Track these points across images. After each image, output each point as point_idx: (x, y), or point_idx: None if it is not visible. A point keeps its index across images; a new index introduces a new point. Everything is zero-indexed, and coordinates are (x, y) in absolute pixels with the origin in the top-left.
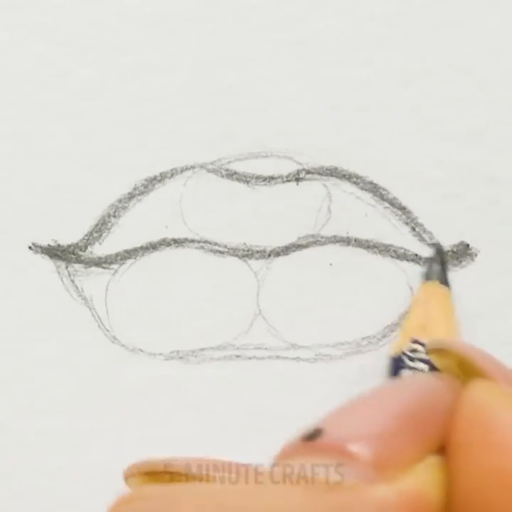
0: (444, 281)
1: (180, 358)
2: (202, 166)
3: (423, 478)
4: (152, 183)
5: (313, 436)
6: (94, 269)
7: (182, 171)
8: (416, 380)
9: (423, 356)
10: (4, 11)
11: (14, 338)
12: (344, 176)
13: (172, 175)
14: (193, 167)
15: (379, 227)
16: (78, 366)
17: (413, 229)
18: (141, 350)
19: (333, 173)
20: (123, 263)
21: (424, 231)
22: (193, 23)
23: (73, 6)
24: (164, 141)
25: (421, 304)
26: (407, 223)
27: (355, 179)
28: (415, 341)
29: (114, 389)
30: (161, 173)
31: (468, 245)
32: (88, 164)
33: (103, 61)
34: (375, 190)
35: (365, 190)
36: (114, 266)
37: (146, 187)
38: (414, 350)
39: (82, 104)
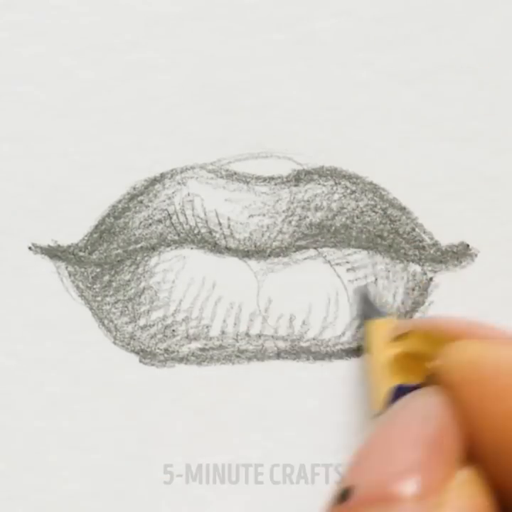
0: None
1: (180, 358)
2: (202, 167)
3: (466, 492)
4: (152, 183)
5: (344, 496)
6: (94, 269)
7: (182, 171)
8: (410, 403)
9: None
10: (4, 11)
11: (14, 338)
12: (344, 176)
13: (172, 175)
14: (193, 167)
15: (379, 227)
16: (78, 366)
17: (413, 229)
18: (142, 351)
19: (333, 173)
20: (123, 263)
21: (424, 231)
22: (193, 23)
23: (73, 6)
24: (164, 141)
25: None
26: (407, 223)
27: (355, 179)
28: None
29: (114, 389)
30: (161, 173)
31: (468, 245)
32: (88, 164)
33: (103, 61)
34: (375, 190)
35: (365, 190)
36: (114, 266)
37: (146, 187)
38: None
39: (82, 104)
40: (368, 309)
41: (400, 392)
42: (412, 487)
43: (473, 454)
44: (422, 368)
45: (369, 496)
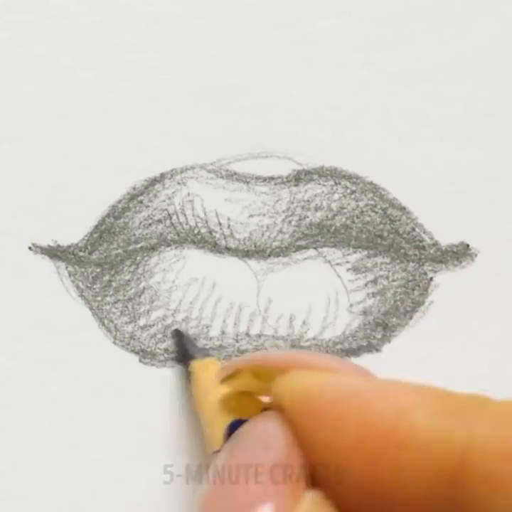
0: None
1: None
2: (202, 167)
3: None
4: (152, 183)
5: None
6: (94, 269)
7: (182, 171)
8: (249, 432)
9: None
10: (4, 11)
11: (14, 338)
12: (344, 176)
13: (172, 175)
14: (193, 167)
15: (379, 227)
16: (78, 366)
17: (413, 229)
18: (142, 351)
19: (333, 173)
20: (123, 263)
21: (424, 231)
22: (193, 23)
23: (73, 6)
24: (164, 141)
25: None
26: (407, 223)
27: (355, 179)
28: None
29: (114, 389)
30: (161, 173)
31: (468, 245)
32: (88, 164)
33: (103, 61)
34: (375, 190)
35: (365, 190)
36: (114, 266)
37: (146, 187)
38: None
39: (82, 104)
40: (189, 349)
41: (236, 426)
42: None
43: (316, 477)
44: (255, 404)
45: None
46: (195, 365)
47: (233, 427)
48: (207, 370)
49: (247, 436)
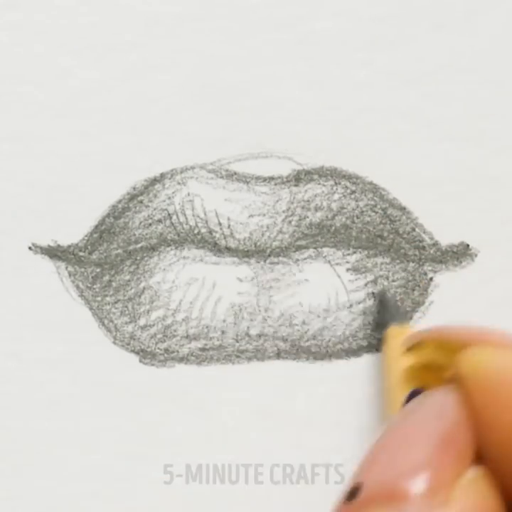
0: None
1: (180, 358)
2: (202, 167)
3: (474, 490)
4: (152, 183)
5: (353, 493)
6: (94, 269)
7: (182, 171)
8: (424, 401)
9: None
10: (4, 11)
11: (14, 338)
12: (344, 176)
13: (172, 175)
14: (193, 167)
15: (379, 227)
16: (78, 366)
17: (413, 229)
18: (142, 351)
19: (333, 173)
20: (123, 263)
21: (424, 231)
22: (193, 23)
23: (73, 6)
24: (164, 141)
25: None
26: (407, 223)
27: (355, 179)
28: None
29: (114, 389)
30: (161, 173)
31: (468, 245)
32: (88, 164)
33: (103, 61)
34: (375, 190)
35: (365, 190)
36: (114, 266)
37: (146, 187)
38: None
39: (82, 104)
40: (386, 315)
41: (415, 395)
42: (420, 485)
43: (483, 454)
44: (437, 376)
45: (377, 493)
46: (391, 331)
47: (412, 396)
48: (398, 339)
49: (422, 405)
